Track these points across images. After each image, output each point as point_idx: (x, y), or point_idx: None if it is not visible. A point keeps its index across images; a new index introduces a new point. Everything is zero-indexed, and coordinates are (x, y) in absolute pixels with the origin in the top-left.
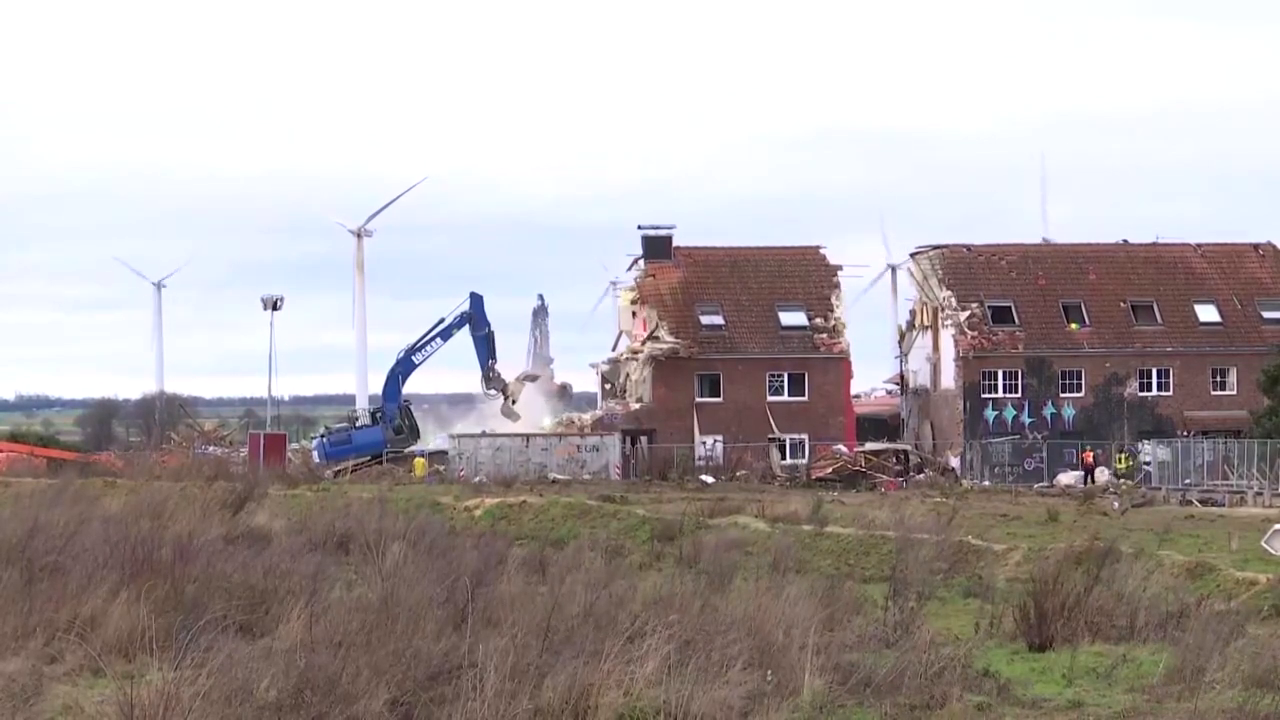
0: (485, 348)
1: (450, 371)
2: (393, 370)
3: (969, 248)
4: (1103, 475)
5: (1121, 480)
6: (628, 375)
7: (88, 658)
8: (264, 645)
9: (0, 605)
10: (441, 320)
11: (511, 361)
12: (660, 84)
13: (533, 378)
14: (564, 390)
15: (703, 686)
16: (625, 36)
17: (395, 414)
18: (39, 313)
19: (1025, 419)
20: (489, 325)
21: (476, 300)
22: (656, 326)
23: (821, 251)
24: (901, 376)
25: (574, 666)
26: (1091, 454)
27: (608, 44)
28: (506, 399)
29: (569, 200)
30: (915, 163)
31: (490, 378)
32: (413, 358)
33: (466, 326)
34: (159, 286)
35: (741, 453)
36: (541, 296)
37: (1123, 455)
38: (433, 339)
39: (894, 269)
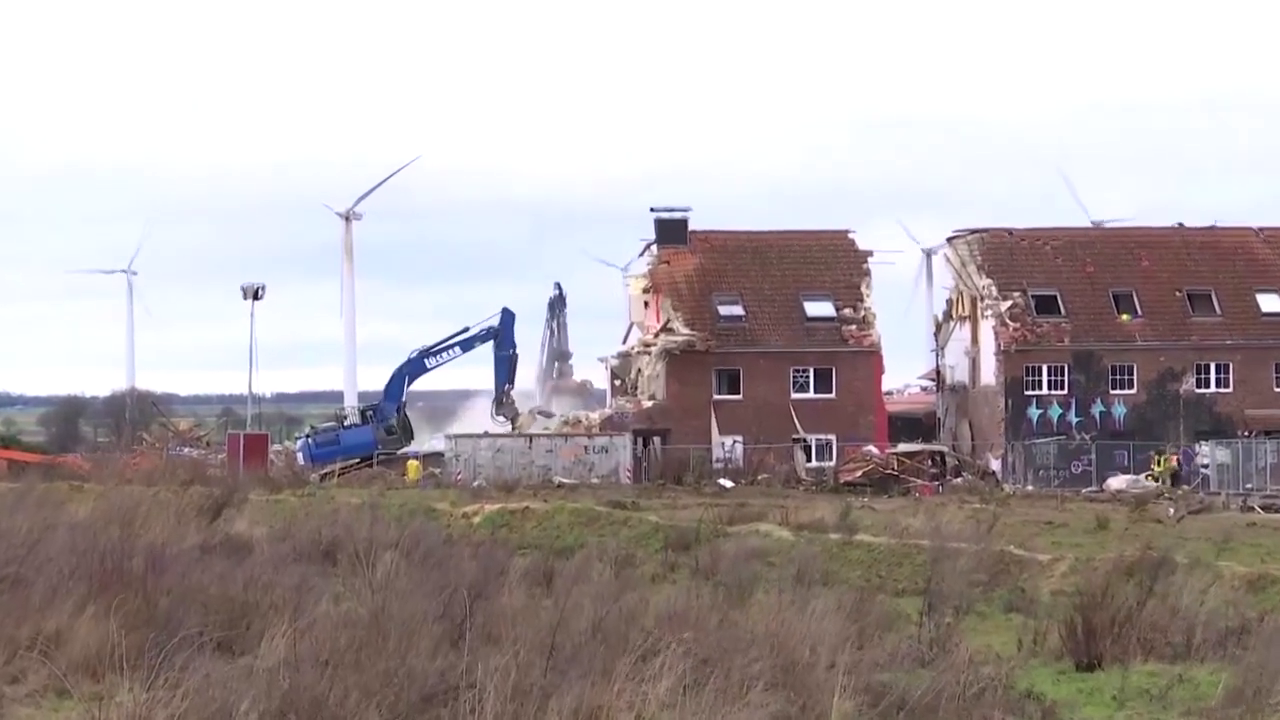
0: (505, 370)
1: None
2: (400, 369)
3: (1011, 232)
4: (1149, 482)
5: (1157, 485)
6: (639, 370)
7: (52, 678)
8: (244, 664)
9: None
10: (466, 329)
11: (526, 355)
12: (679, 65)
13: (547, 414)
14: (584, 388)
15: (721, 709)
16: (640, 14)
17: (391, 414)
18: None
19: (1072, 418)
20: (514, 347)
21: (508, 317)
22: (670, 318)
23: (850, 236)
24: (937, 372)
25: (581, 687)
26: (1176, 457)
27: (622, 22)
28: (515, 429)
29: (583, 184)
30: (950, 147)
31: (502, 402)
32: (425, 360)
33: (491, 343)
34: (129, 274)
35: (763, 455)
36: (559, 285)
37: (1161, 456)
38: (452, 346)
39: (929, 255)
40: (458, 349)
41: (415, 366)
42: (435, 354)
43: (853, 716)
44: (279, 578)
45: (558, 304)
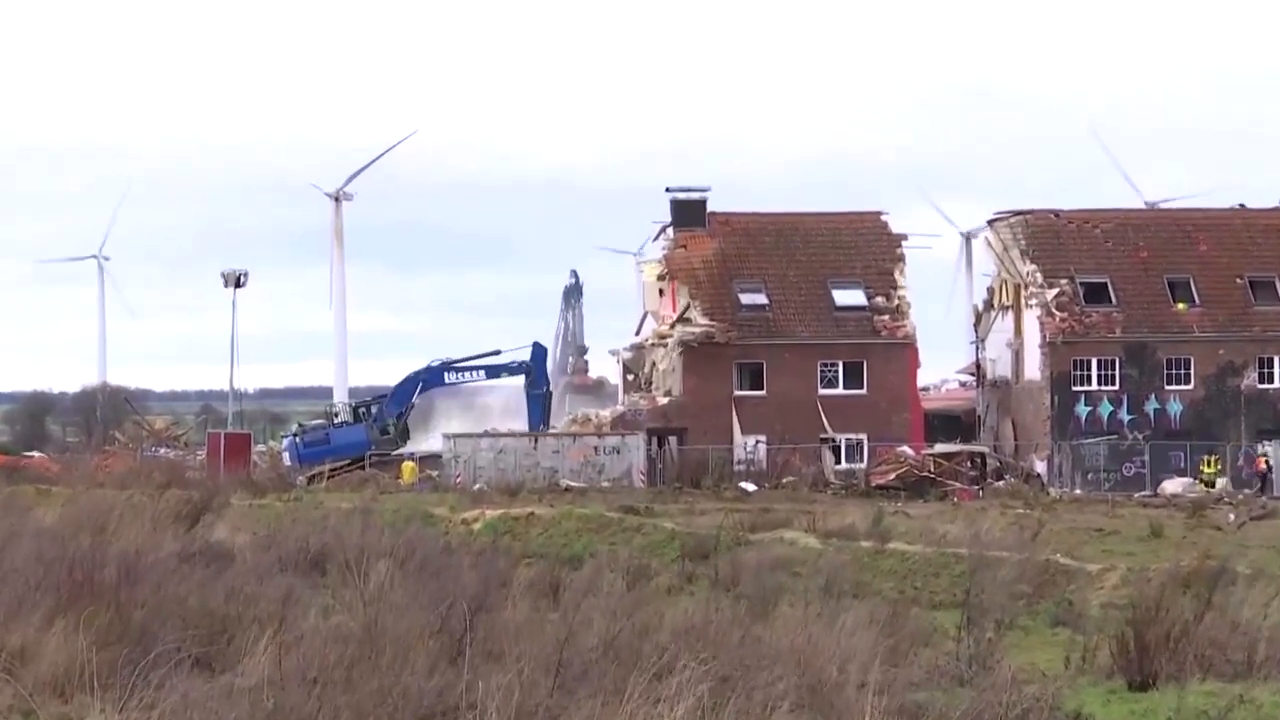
0: (539, 410)
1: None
2: (416, 375)
3: (1057, 214)
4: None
5: (1207, 489)
6: (654, 364)
7: (17, 697)
8: (225, 682)
9: None
10: (497, 352)
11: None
12: (695, 37)
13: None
14: (601, 385)
15: None
16: None
17: (391, 417)
18: None
19: (1124, 416)
20: (548, 383)
21: (539, 352)
22: (687, 306)
23: (883, 218)
24: (977, 366)
25: (591, 707)
26: (1264, 460)
27: None
28: None
29: (595, 163)
30: (989, 124)
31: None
32: (446, 374)
33: (523, 378)
34: (100, 259)
35: (788, 456)
36: (575, 273)
37: (1211, 458)
38: (477, 368)
39: (969, 239)
40: (482, 373)
41: (434, 377)
42: (458, 370)
43: None
44: (263, 589)
45: (573, 293)
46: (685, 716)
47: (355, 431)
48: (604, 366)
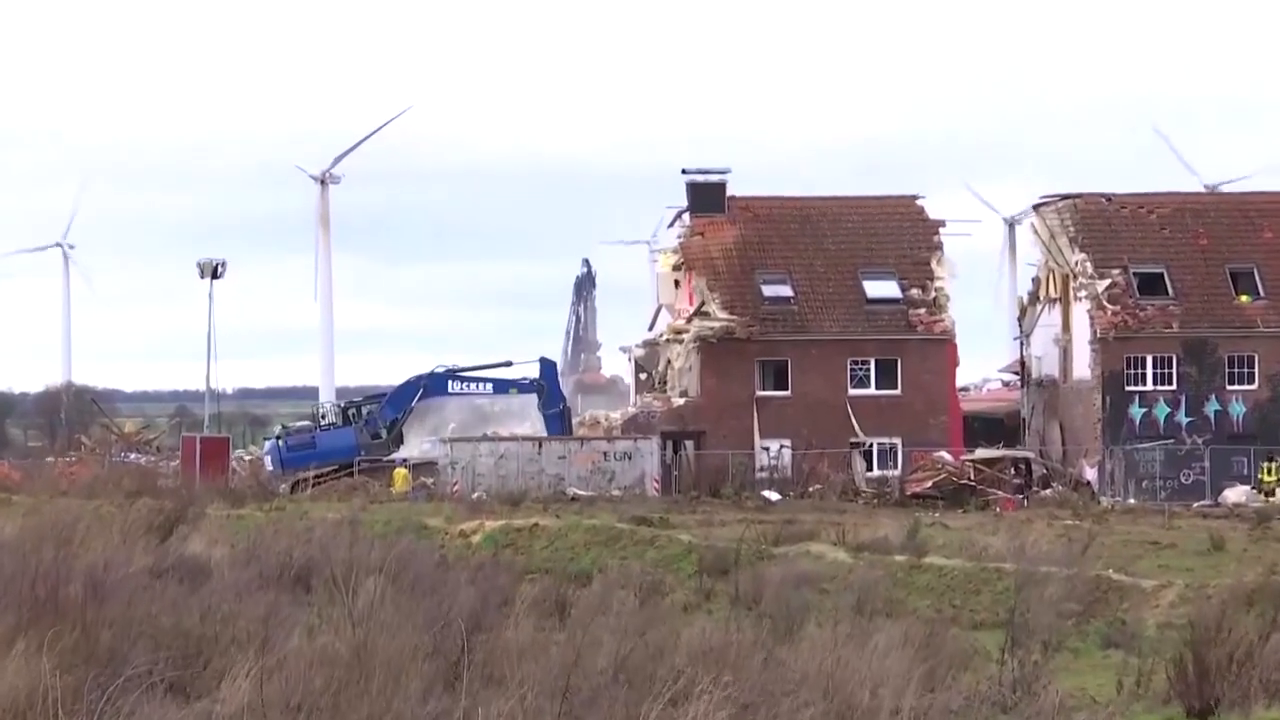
0: (559, 427)
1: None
2: (417, 380)
3: (1109, 198)
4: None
5: (1267, 498)
6: (668, 362)
7: None
8: (201, 709)
9: None
10: (508, 363)
11: (546, 349)
12: (714, 11)
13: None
14: (613, 385)
15: None
16: None
17: (386, 422)
18: None
19: (1181, 418)
20: (563, 399)
21: (548, 368)
22: (705, 299)
23: (918, 203)
24: (1022, 364)
25: None
26: None
27: None
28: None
29: (607, 144)
30: (1031, 102)
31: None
32: (450, 382)
33: (534, 397)
34: (65, 247)
35: (815, 462)
36: (587, 262)
37: (1272, 464)
38: (484, 380)
39: (1012, 225)
40: (489, 386)
41: (436, 385)
42: (463, 380)
43: None
44: (242, 607)
45: (585, 285)
46: None
47: (343, 435)
48: (615, 364)
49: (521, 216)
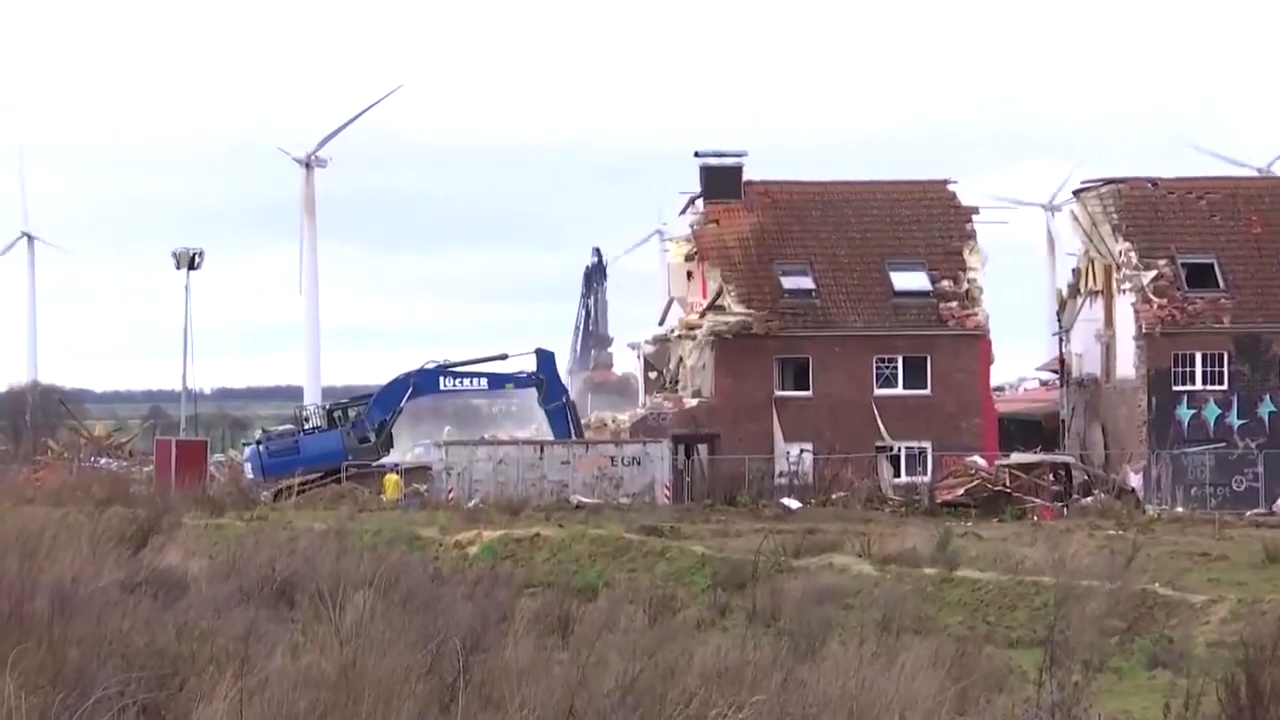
0: (564, 423)
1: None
2: (406, 377)
3: (1155, 183)
4: None
5: None
6: (680, 360)
7: None
8: None
9: None
10: (503, 356)
11: (553, 345)
12: None
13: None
14: (626, 383)
15: None
16: None
17: (374, 425)
18: None
19: (1233, 420)
20: (565, 393)
21: (546, 360)
22: (720, 292)
23: (950, 188)
24: (1061, 361)
25: None
26: None
27: None
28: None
29: (614, 126)
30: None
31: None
32: (442, 379)
33: (533, 391)
34: (30, 238)
35: (838, 467)
36: (598, 251)
37: None
38: (479, 375)
39: (1051, 212)
40: (484, 381)
41: (427, 382)
42: (456, 376)
43: None
44: (221, 624)
45: (596, 276)
46: None
47: (329, 439)
48: (629, 361)
49: (526, 202)
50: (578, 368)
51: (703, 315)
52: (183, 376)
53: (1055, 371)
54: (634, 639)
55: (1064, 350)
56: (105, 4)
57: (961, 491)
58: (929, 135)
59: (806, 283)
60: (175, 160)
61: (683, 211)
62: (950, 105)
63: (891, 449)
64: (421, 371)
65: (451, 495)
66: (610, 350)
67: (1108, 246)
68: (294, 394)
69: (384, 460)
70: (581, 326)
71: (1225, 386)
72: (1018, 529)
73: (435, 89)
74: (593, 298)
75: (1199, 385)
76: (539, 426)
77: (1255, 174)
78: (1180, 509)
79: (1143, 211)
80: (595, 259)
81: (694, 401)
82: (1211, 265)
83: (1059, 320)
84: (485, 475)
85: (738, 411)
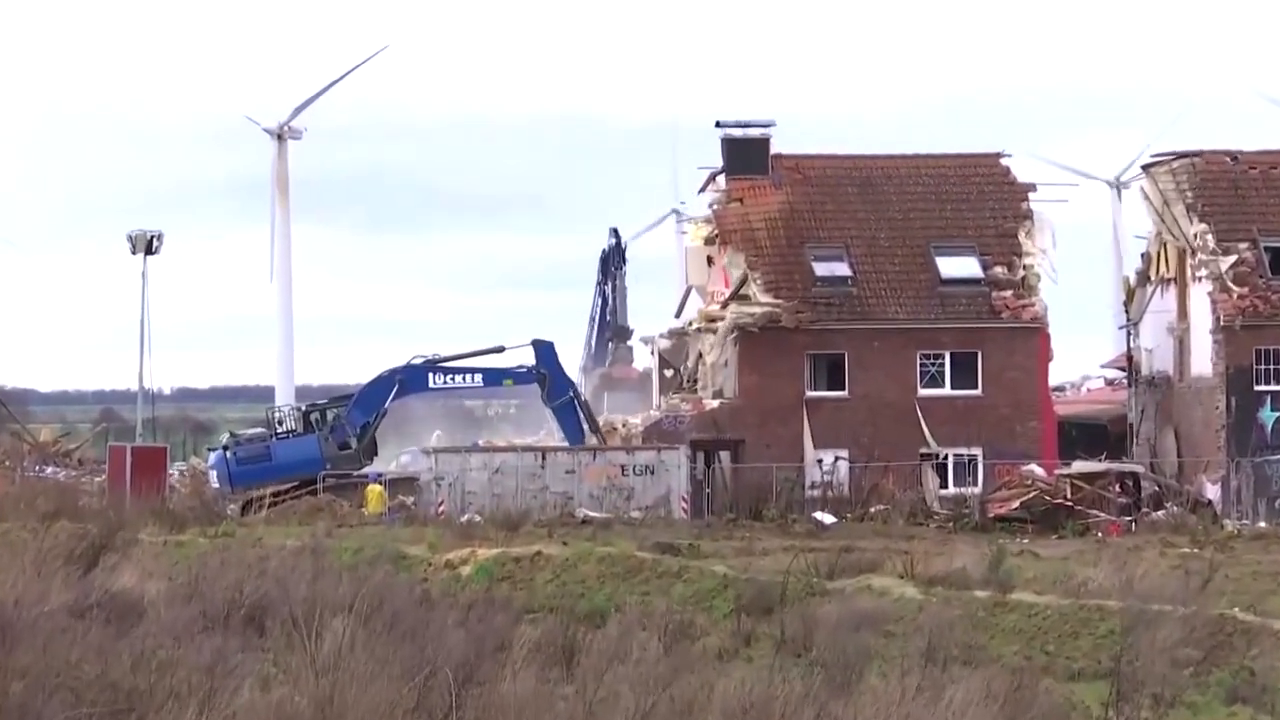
0: (573, 420)
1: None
2: (390, 375)
3: (1235, 156)
4: None
5: None
6: (699, 356)
7: None
8: None
9: None
10: (500, 349)
11: (566, 338)
12: None
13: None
14: (647, 380)
15: None
16: None
17: (355, 429)
18: None
19: None
20: (572, 387)
21: (546, 351)
22: (744, 280)
23: (1003, 163)
24: (1129, 358)
25: None
26: None
27: None
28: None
29: (627, 95)
30: (1149, 42)
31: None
32: (431, 375)
33: (536, 390)
34: None
35: (878, 477)
36: (615, 232)
37: None
38: (473, 371)
39: (1118, 189)
40: (479, 378)
41: (414, 380)
42: (447, 372)
43: None
44: (182, 653)
45: (614, 260)
46: None
47: (305, 445)
48: (645, 357)
49: (531, 179)
50: (593, 364)
51: (725, 306)
52: (139, 375)
53: (1122, 369)
54: (647, 671)
55: (1132, 346)
56: None
57: (1016, 504)
58: (980, 105)
59: (842, 269)
60: (128, 132)
61: (702, 189)
62: (1003, 70)
63: (937, 456)
64: (408, 368)
65: (442, 509)
66: (630, 345)
67: (1181, 228)
68: (264, 394)
69: (366, 469)
70: (597, 317)
71: None
72: (1080, 546)
73: (427, 52)
74: (610, 285)
75: None
76: (547, 430)
77: None
78: (1263, 524)
79: (1221, 189)
80: (613, 240)
81: (715, 403)
82: None
83: (1126, 312)
84: (480, 486)
85: (764, 414)
